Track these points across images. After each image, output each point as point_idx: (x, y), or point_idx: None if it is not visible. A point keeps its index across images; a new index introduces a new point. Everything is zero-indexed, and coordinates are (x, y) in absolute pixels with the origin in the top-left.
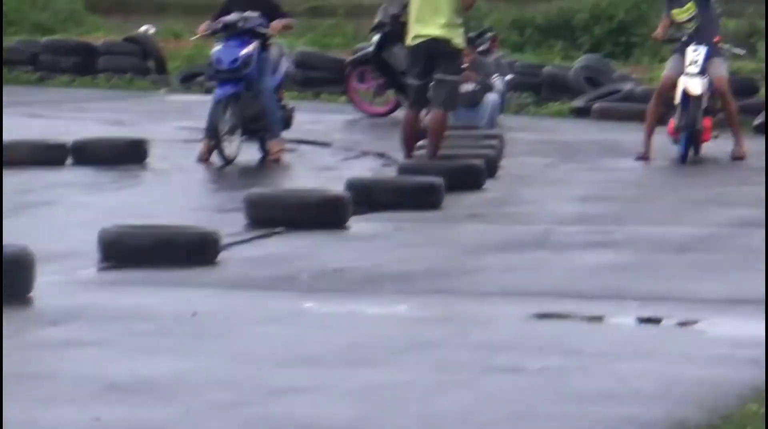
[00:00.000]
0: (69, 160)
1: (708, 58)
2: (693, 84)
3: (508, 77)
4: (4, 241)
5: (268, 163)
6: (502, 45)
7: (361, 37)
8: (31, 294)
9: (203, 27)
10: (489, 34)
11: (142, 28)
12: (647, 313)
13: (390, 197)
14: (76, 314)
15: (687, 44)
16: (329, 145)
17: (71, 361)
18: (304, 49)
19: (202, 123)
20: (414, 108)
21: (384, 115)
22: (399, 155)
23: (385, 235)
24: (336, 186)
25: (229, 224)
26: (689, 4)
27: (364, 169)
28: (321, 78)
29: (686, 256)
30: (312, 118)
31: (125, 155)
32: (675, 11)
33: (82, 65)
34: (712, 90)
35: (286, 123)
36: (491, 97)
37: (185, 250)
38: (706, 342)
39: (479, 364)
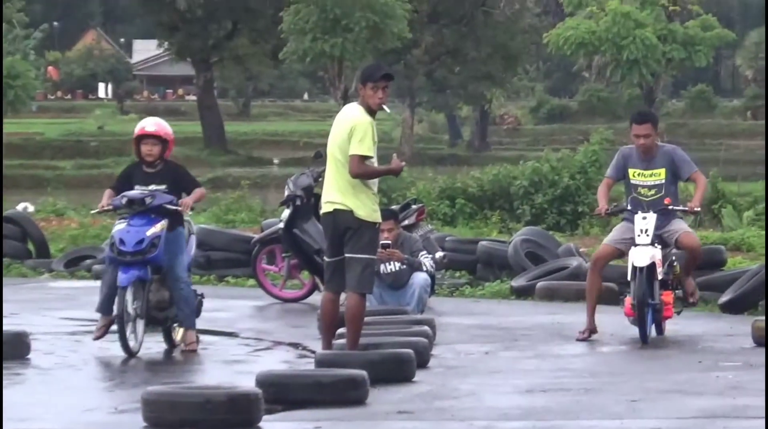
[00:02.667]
0: None
1: (661, 225)
2: (639, 255)
3: (439, 254)
4: None
5: (184, 354)
6: (431, 218)
7: (269, 212)
8: None
9: (105, 201)
10: (415, 206)
11: (20, 206)
12: None
13: (307, 393)
14: None
15: (635, 212)
16: (236, 335)
17: None
18: (205, 226)
19: (90, 313)
20: (330, 289)
21: (298, 300)
22: (316, 345)
23: None
24: (245, 381)
25: (126, 427)
26: (661, 170)
27: (277, 361)
28: (225, 259)
29: None
30: (216, 304)
31: (5, 350)
32: (634, 171)
33: None
34: (671, 258)
35: (197, 311)
36: (420, 277)
37: None
38: None
39: None
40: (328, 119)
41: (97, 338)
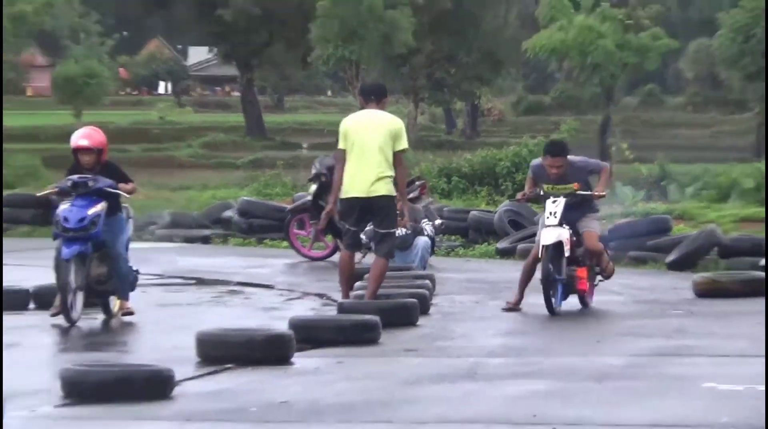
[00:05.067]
0: (31, 305)
1: (573, 218)
2: (547, 234)
3: (437, 222)
4: None
5: (115, 322)
6: (431, 192)
7: (300, 187)
8: None
9: (52, 186)
10: (418, 183)
11: None
12: None
13: (331, 334)
14: None
15: (547, 197)
16: (272, 287)
17: None
18: (247, 198)
19: (153, 269)
20: (349, 250)
21: (323, 258)
22: (338, 295)
23: (327, 369)
24: (280, 325)
25: (185, 361)
26: (572, 185)
27: (306, 309)
28: (263, 225)
29: (607, 384)
30: (256, 262)
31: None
32: (547, 185)
33: (41, 217)
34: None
35: (132, 285)
36: (422, 241)
37: (141, 387)
38: None
39: None
40: (347, 112)
41: (54, 315)
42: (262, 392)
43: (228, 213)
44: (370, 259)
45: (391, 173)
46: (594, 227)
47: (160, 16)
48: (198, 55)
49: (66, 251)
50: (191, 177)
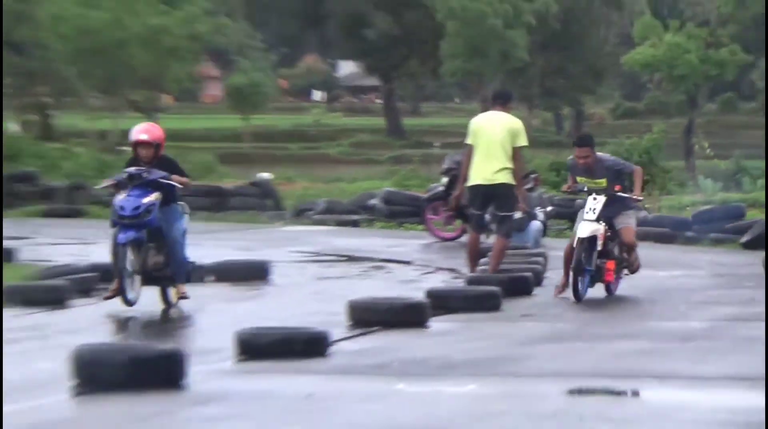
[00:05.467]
0: (210, 278)
1: (610, 214)
2: (583, 227)
3: (548, 208)
4: (168, 342)
5: (174, 311)
6: (543, 183)
7: (433, 179)
8: (184, 381)
9: (110, 178)
10: (533, 175)
11: (262, 175)
12: (662, 388)
13: (460, 303)
14: (219, 396)
15: (590, 193)
16: (410, 263)
17: None
18: (389, 188)
19: (311, 248)
20: (475, 232)
21: (453, 239)
22: (465, 270)
23: (457, 331)
24: (417, 295)
25: (337, 324)
26: (602, 180)
27: (439, 281)
28: (403, 211)
29: (691, 344)
30: (396, 242)
31: (252, 273)
32: (580, 178)
33: (216, 204)
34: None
35: (189, 276)
36: (535, 224)
37: (302, 346)
38: (709, 410)
39: None
40: (472, 116)
41: (108, 297)
42: (403, 350)
43: (373, 201)
44: (491, 240)
45: (510, 166)
46: (631, 223)
47: (314, 35)
48: (347, 68)
49: (122, 237)
50: (342, 171)
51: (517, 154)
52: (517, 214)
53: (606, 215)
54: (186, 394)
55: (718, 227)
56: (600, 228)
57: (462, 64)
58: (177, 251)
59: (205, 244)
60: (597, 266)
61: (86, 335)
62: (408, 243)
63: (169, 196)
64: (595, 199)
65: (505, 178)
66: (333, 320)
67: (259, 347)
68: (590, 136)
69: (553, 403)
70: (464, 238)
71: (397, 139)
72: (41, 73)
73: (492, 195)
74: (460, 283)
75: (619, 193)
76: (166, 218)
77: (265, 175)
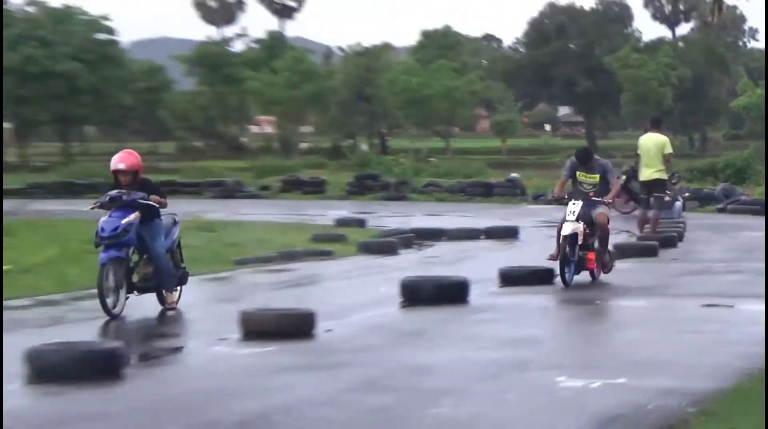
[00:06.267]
0: (482, 237)
1: (588, 210)
2: (566, 227)
3: (685, 194)
4: (461, 274)
5: (170, 313)
6: (681, 178)
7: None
8: (468, 300)
9: (95, 201)
10: (676, 174)
11: (513, 175)
12: (755, 304)
13: (635, 252)
14: (489, 307)
15: (569, 200)
16: None
17: (486, 328)
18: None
19: (543, 218)
20: (643, 209)
21: (628, 213)
22: (635, 232)
23: (633, 269)
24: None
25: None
26: (596, 177)
27: (622, 239)
28: None
29: None
30: None
31: (508, 234)
32: (581, 174)
33: (485, 193)
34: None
35: (181, 280)
36: (677, 204)
37: (540, 277)
38: None
39: (679, 328)
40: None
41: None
42: (598, 280)
43: None
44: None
45: (662, 167)
46: (604, 211)
47: (545, 91)
48: (563, 110)
49: (103, 256)
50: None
51: (666, 158)
52: (666, 198)
53: (585, 212)
54: (469, 307)
55: None
56: (579, 226)
57: (633, 108)
58: (161, 264)
59: (480, 216)
60: (579, 257)
61: (408, 271)
62: None
63: (153, 214)
64: (574, 203)
65: (659, 175)
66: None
67: (513, 278)
68: (590, 150)
69: (690, 312)
70: (635, 213)
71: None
72: (381, 114)
73: (651, 186)
74: (633, 239)
75: (594, 198)
76: (150, 233)
77: (515, 175)
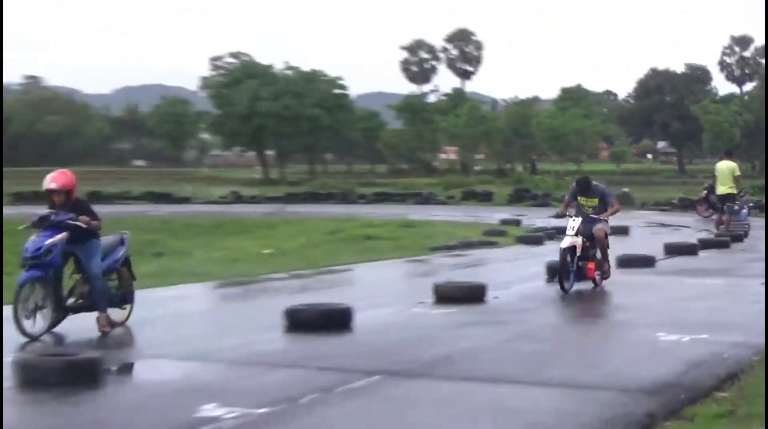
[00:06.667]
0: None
1: (588, 226)
2: (565, 240)
3: (750, 204)
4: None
5: (102, 336)
6: (747, 194)
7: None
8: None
9: (28, 222)
10: (743, 190)
11: (624, 189)
12: None
13: (714, 245)
14: (607, 282)
15: (571, 217)
16: (689, 227)
17: (603, 297)
18: (681, 196)
19: (647, 221)
20: (719, 214)
21: (707, 217)
22: (714, 230)
23: (712, 257)
24: (692, 240)
25: (657, 253)
26: (595, 200)
27: (703, 235)
28: (678, 207)
29: None
30: (683, 219)
31: (620, 232)
32: (582, 199)
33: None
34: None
35: (124, 299)
36: (744, 211)
37: (642, 262)
38: None
39: (746, 300)
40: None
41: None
42: (686, 264)
43: (674, 200)
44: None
45: (732, 185)
46: (602, 227)
47: (647, 130)
48: (661, 144)
49: (23, 276)
50: (661, 189)
51: (735, 179)
52: (736, 206)
53: (586, 227)
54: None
55: None
56: (578, 240)
57: (711, 142)
58: (96, 284)
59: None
60: (579, 267)
61: (551, 257)
62: (688, 219)
63: (89, 234)
64: (574, 220)
65: (731, 190)
66: (659, 251)
67: (626, 261)
68: (589, 178)
69: (754, 288)
70: (713, 217)
71: (682, 176)
72: (532, 146)
73: (725, 198)
74: (712, 236)
75: (592, 216)
76: (85, 253)
77: (626, 190)
